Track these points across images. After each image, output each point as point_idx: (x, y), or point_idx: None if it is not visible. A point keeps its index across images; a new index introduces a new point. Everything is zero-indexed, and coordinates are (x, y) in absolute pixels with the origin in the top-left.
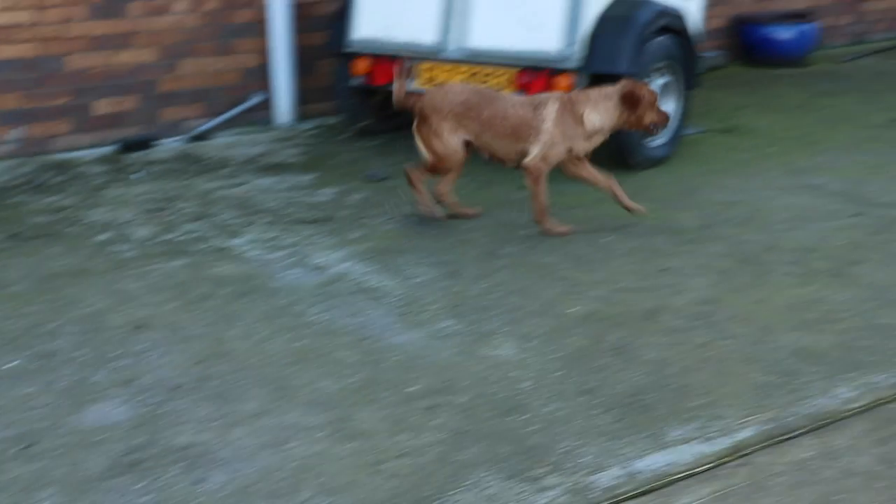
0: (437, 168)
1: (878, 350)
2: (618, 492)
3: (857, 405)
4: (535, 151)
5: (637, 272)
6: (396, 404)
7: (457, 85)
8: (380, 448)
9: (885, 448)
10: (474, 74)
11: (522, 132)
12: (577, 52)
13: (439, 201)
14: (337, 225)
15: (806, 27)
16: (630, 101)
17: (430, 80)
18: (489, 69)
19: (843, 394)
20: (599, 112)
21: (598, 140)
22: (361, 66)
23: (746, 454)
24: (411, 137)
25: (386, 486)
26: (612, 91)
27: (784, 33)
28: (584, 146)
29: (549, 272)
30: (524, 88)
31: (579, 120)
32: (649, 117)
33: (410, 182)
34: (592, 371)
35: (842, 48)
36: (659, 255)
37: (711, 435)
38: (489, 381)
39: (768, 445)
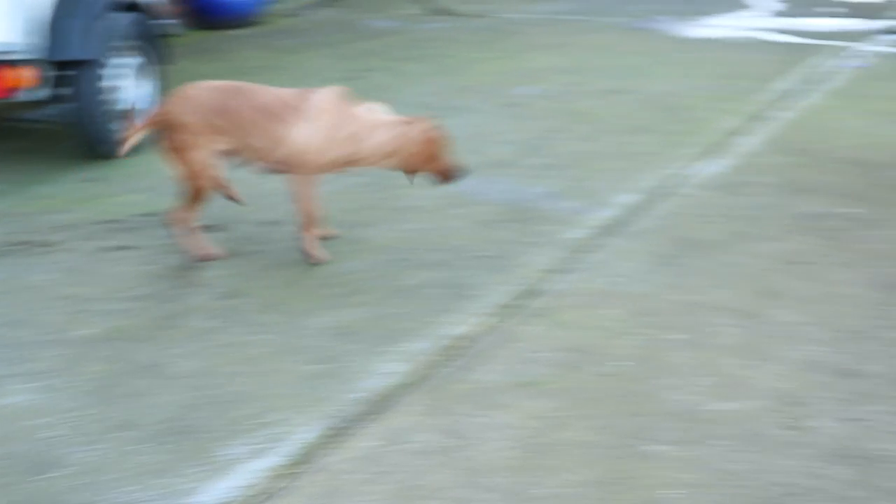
0: (197, 189)
1: (410, 316)
2: None
3: (404, 379)
4: (297, 148)
5: (143, 274)
6: None
7: (200, 84)
8: None
9: (442, 419)
10: None
11: (279, 119)
12: (31, 40)
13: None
14: None
15: None
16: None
17: None
18: None
19: (389, 368)
20: (380, 136)
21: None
22: None
23: (316, 458)
24: None
25: None
26: (401, 125)
27: None
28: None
29: (46, 292)
30: None
31: (353, 138)
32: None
33: (174, 226)
34: (127, 399)
35: (295, 2)
36: (166, 252)
37: (274, 445)
38: (10, 438)
39: (334, 442)
